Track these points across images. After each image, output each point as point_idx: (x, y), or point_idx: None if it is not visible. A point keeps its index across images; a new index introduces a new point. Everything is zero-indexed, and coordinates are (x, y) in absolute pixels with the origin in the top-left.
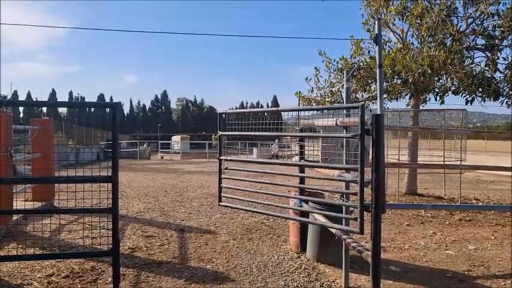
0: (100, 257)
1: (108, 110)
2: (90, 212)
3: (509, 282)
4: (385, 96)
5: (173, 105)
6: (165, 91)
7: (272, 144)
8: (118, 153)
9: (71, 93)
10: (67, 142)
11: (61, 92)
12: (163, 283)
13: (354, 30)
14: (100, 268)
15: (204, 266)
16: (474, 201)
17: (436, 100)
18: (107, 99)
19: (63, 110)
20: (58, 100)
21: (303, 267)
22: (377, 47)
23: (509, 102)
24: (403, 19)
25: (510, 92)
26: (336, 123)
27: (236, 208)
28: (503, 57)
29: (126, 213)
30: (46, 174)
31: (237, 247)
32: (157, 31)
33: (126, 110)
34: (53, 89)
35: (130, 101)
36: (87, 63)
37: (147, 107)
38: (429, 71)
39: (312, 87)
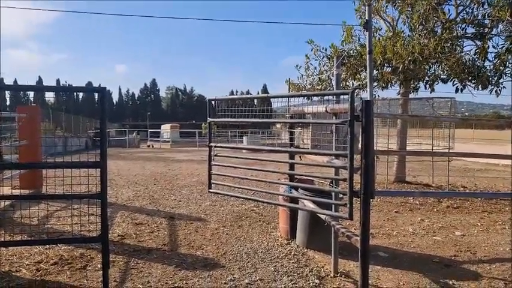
0: (89, 243)
1: (96, 96)
2: (78, 197)
3: (494, 266)
4: (375, 84)
5: (162, 94)
6: (154, 80)
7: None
8: (106, 138)
9: (58, 81)
10: (55, 130)
11: (48, 80)
12: (152, 270)
13: (346, 18)
14: (89, 255)
15: (194, 253)
16: (461, 188)
17: (425, 88)
18: None
19: (50, 98)
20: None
21: (292, 253)
22: (367, 33)
23: (498, 91)
24: (394, 6)
25: (499, 81)
26: (326, 110)
27: (226, 195)
28: (492, 46)
29: (115, 201)
30: (34, 161)
31: (227, 234)
32: (144, 15)
33: (115, 98)
34: (40, 77)
35: (119, 90)
36: (75, 52)
37: (136, 96)
38: (420, 58)
39: (302, 75)
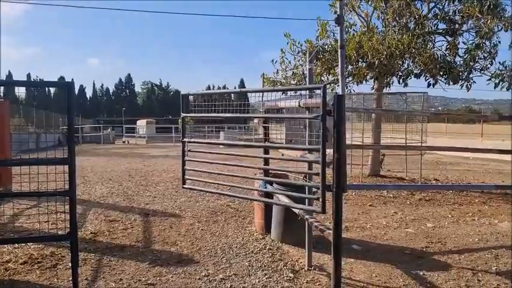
0: (58, 241)
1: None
2: (45, 195)
3: (463, 257)
4: (350, 79)
5: (138, 89)
6: (129, 74)
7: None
8: (74, 134)
9: (29, 76)
10: (26, 126)
11: (19, 74)
12: (126, 267)
13: (321, 13)
14: (60, 253)
15: (169, 249)
16: (434, 181)
17: (399, 83)
18: None
19: (21, 93)
20: None
21: (267, 247)
22: (338, 28)
23: (468, 86)
24: (368, 2)
25: (469, 76)
26: (299, 105)
27: (200, 190)
28: (463, 42)
29: (88, 198)
30: (2, 158)
31: (202, 230)
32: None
33: (89, 93)
34: (9, 71)
35: (93, 85)
36: (48, 46)
37: (111, 91)
38: (397, 53)
39: (278, 70)
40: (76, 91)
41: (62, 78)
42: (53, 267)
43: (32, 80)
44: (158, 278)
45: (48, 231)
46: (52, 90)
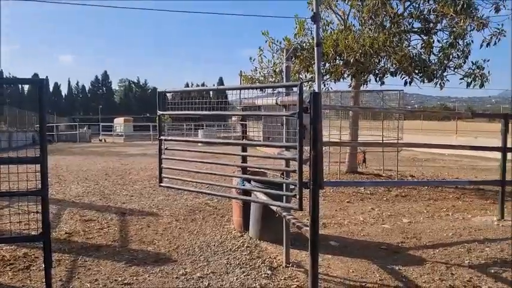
0: (30, 242)
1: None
2: (16, 195)
3: (437, 251)
4: (327, 77)
5: (115, 87)
6: (105, 72)
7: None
8: (46, 132)
9: (1, 73)
10: None
11: None
12: (101, 267)
13: (300, 11)
14: (33, 254)
15: (146, 248)
16: (410, 177)
17: (376, 81)
18: None
19: None
20: None
21: (245, 245)
22: (315, 25)
23: (442, 84)
24: (345, 0)
25: (443, 74)
26: (276, 102)
27: (178, 189)
28: (437, 40)
29: (63, 198)
30: None
31: (180, 228)
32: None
33: (64, 91)
34: None
35: (69, 82)
36: (23, 42)
37: (87, 88)
38: (371, 51)
39: (256, 67)
40: (50, 88)
41: (36, 75)
42: (25, 269)
43: (5, 77)
44: (135, 278)
45: (20, 232)
46: (26, 87)
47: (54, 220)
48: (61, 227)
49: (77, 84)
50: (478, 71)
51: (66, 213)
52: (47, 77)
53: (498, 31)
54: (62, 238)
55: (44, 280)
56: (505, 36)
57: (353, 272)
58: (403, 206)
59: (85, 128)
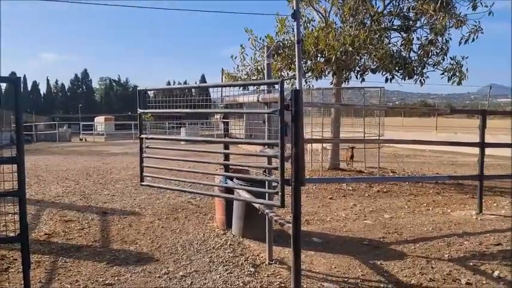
0: (7, 243)
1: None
2: None
3: (417, 245)
4: (309, 74)
5: (96, 85)
6: (85, 70)
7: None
8: (23, 131)
9: None
10: None
11: None
12: (82, 268)
13: (282, 8)
14: (12, 256)
15: (128, 248)
16: (391, 173)
17: (357, 78)
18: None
19: None
20: None
21: (228, 243)
22: (295, 23)
23: (422, 81)
24: None
25: (423, 71)
26: (258, 100)
27: (159, 188)
28: (417, 38)
29: (42, 198)
30: None
31: (162, 227)
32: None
33: (43, 89)
34: None
35: (47, 80)
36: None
37: (67, 87)
38: (351, 49)
39: (238, 65)
40: (29, 87)
41: (13, 74)
42: (4, 271)
43: None
44: (116, 278)
45: None
46: (3, 86)
47: (33, 221)
48: (40, 227)
49: (56, 82)
50: (456, 66)
51: (46, 213)
52: (24, 75)
53: (475, 28)
54: (41, 239)
55: (22, 282)
56: (482, 33)
57: (335, 267)
58: (385, 202)
59: (65, 127)
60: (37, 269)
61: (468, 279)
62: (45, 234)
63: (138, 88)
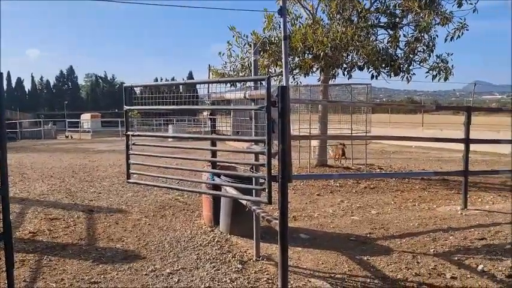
0: None
1: None
2: None
3: (404, 241)
4: (297, 71)
5: (81, 82)
6: (71, 66)
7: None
8: (5, 129)
9: None
10: None
11: None
12: (67, 266)
13: (269, 5)
14: None
15: (114, 246)
16: (378, 170)
17: (344, 75)
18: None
19: None
20: None
21: (215, 240)
22: (281, 19)
23: (409, 78)
24: None
25: (409, 68)
26: (245, 96)
27: (146, 185)
28: (403, 35)
29: (27, 196)
30: None
31: (149, 224)
32: None
33: (28, 86)
34: None
35: (32, 77)
36: None
37: (52, 84)
38: (341, 46)
39: (225, 62)
40: (13, 84)
41: None
42: None
43: None
44: (102, 276)
45: None
46: None
47: (17, 219)
48: (25, 226)
49: (41, 79)
50: (442, 64)
51: (30, 212)
52: (8, 72)
53: (461, 25)
54: (25, 238)
55: (6, 281)
56: (467, 30)
57: (322, 263)
58: (372, 198)
59: (50, 124)
60: (21, 268)
61: (453, 274)
62: (30, 232)
63: (124, 85)
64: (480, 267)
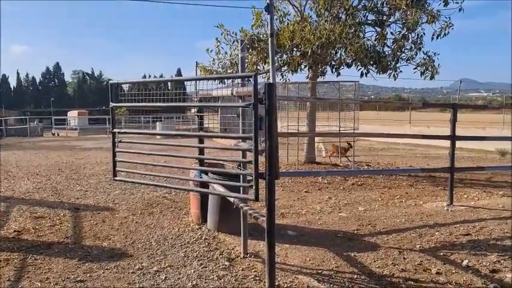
0: None
1: None
2: None
3: (390, 237)
4: (285, 68)
5: (68, 78)
6: (57, 63)
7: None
8: None
9: None
10: None
11: None
12: (53, 265)
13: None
14: None
15: (100, 244)
16: (366, 167)
17: (332, 72)
18: None
19: None
20: None
21: (203, 237)
22: (268, 16)
23: (396, 75)
24: None
25: (396, 65)
26: (232, 93)
27: (133, 183)
28: (391, 33)
29: (12, 195)
30: None
31: (136, 222)
32: None
33: (13, 83)
34: None
35: (18, 74)
36: None
37: (38, 80)
38: (327, 42)
39: (214, 59)
40: None
41: None
42: None
43: None
44: (88, 275)
45: None
46: None
47: (2, 218)
48: (9, 224)
49: (27, 76)
50: (428, 60)
51: (15, 210)
52: None
53: (447, 24)
54: (10, 236)
55: None
56: (453, 28)
57: (310, 260)
58: (359, 195)
59: (36, 122)
60: (6, 267)
61: (438, 269)
62: (15, 231)
63: (111, 81)
64: (465, 262)
